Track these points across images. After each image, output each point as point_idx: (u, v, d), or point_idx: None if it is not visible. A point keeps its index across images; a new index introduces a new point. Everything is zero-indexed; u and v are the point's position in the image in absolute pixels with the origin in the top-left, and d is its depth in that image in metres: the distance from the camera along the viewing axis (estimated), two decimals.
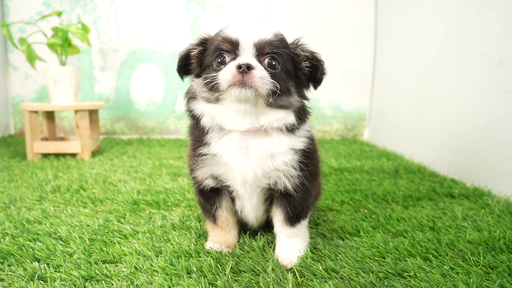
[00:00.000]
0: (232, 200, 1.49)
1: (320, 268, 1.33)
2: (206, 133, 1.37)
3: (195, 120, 1.40)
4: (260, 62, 1.28)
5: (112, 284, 1.23)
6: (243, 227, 1.65)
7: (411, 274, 1.29)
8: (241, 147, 1.33)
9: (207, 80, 1.29)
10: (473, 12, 2.52)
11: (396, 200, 2.10)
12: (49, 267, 1.35)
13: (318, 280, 1.26)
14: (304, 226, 1.52)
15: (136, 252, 1.46)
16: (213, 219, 1.51)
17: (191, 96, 1.40)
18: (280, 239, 1.47)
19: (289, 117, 1.33)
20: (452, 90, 2.76)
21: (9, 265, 1.37)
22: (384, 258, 1.43)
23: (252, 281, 1.27)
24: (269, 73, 1.27)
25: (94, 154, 3.35)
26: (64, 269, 1.32)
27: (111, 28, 4.29)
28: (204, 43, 1.40)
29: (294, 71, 1.35)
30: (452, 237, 1.58)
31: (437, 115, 2.94)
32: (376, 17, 4.29)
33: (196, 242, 1.56)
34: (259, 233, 1.63)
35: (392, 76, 3.89)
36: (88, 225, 1.74)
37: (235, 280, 1.27)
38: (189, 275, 1.29)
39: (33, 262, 1.37)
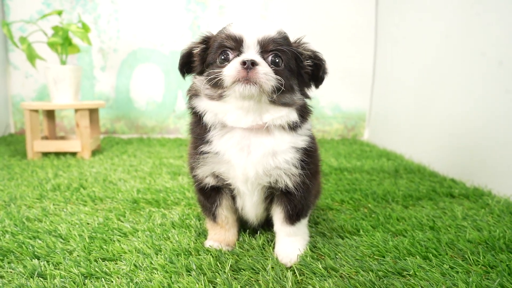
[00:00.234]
0: (233, 198, 1.49)
1: (320, 266, 1.33)
2: (208, 131, 1.37)
3: (197, 118, 1.39)
4: (264, 59, 1.29)
5: (112, 282, 1.24)
6: (242, 225, 1.65)
7: (410, 273, 1.29)
8: (243, 145, 1.33)
9: (211, 77, 1.29)
10: (474, 13, 2.52)
11: (396, 199, 2.10)
12: (49, 264, 1.35)
13: (317, 279, 1.26)
14: (304, 225, 1.52)
15: (135, 250, 1.46)
16: (213, 217, 1.51)
17: (193, 94, 1.40)
18: (280, 237, 1.47)
19: (292, 115, 1.34)
20: (452, 90, 2.76)
21: (9, 263, 1.37)
22: (384, 257, 1.43)
23: (252, 279, 1.27)
24: (272, 70, 1.27)
25: (94, 153, 3.35)
26: (63, 267, 1.33)
27: (111, 27, 4.30)
28: (206, 41, 1.40)
29: (297, 69, 1.36)
30: (452, 236, 1.58)
31: (437, 115, 2.94)
32: (377, 17, 4.29)
33: (196, 240, 1.56)
34: (258, 232, 1.63)
35: (392, 76, 3.89)
36: (88, 223, 1.74)
37: (235, 278, 1.27)
38: (188, 273, 1.29)
39: (33, 260, 1.37)
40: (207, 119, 1.35)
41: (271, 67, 1.28)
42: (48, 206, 1.95)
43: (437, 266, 1.34)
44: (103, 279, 1.25)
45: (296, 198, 1.40)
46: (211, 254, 1.41)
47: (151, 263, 1.35)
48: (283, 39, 1.33)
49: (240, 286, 1.20)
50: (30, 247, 1.46)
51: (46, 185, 2.30)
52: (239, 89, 1.24)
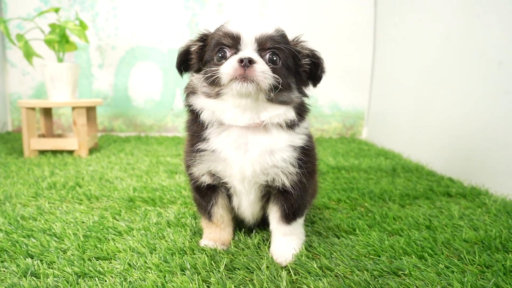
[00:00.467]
0: (229, 197, 1.48)
1: (315, 266, 1.32)
2: (205, 129, 1.36)
3: (194, 115, 1.39)
4: (261, 57, 1.28)
5: (105, 281, 1.23)
6: (238, 224, 1.65)
7: (406, 272, 1.29)
8: (240, 143, 1.33)
9: (208, 75, 1.28)
10: (473, 14, 2.51)
11: (392, 198, 2.09)
12: (42, 263, 1.34)
13: (312, 278, 1.26)
14: (300, 225, 1.51)
15: (130, 249, 1.45)
16: (209, 216, 1.50)
17: (190, 91, 1.39)
18: (275, 236, 1.47)
19: (290, 113, 1.33)
20: (451, 90, 2.75)
21: (2, 261, 1.36)
22: (380, 256, 1.42)
23: (246, 278, 1.27)
24: (270, 68, 1.26)
25: (91, 151, 3.34)
26: (57, 266, 1.32)
27: (109, 25, 4.28)
28: (204, 38, 1.39)
29: (294, 67, 1.35)
30: (448, 236, 1.57)
31: (436, 115, 2.93)
32: (376, 17, 4.28)
33: (191, 239, 1.55)
34: (254, 231, 1.63)
35: (391, 76, 3.89)
36: (83, 222, 1.73)
37: (229, 278, 1.26)
38: (182, 272, 1.28)
39: (27, 259, 1.36)
40: (204, 117, 1.35)
41: (269, 65, 1.27)
42: (43, 205, 1.94)
43: (432, 266, 1.34)
44: (96, 278, 1.25)
45: (293, 197, 1.39)
46: (206, 253, 1.41)
47: (146, 262, 1.34)
48: (281, 37, 1.32)
49: (234, 286, 1.20)
50: (24, 246, 1.45)
51: (42, 183, 2.29)
52: (236, 87, 1.23)
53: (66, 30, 3.18)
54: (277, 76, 1.26)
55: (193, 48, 1.40)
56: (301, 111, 1.38)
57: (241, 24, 1.30)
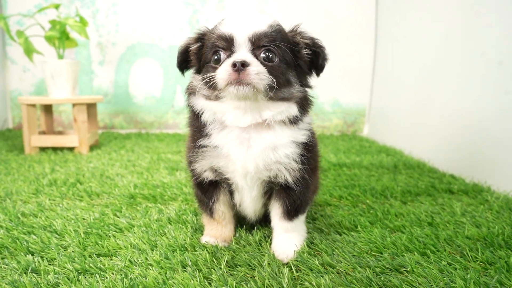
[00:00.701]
0: (231, 193, 1.48)
1: (317, 262, 1.31)
2: (207, 125, 1.36)
3: (196, 114, 1.38)
4: (257, 56, 1.26)
5: (106, 278, 1.22)
6: (239, 221, 1.64)
7: (408, 269, 1.28)
8: (242, 139, 1.32)
9: (205, 80, 1.28)
10: (473, 14, 2.50)
11: (394, 195, 2.08)
12: (43, 260, 1.34)
13: (314, 275, 1.25)
14: (302, 221, 1.50)
15: (131, 246, 1.44)
16: (210, 212, 1.50)
17: (191, 92, 1.39)
18: (277, 233, 1.46)
19: (292, 109, 1.32)
20: (452, 89, 2.74)
21: (2, 258, 1.35)
22: (382, 253, 1.41)
23: (248, 275, 1.26)
24: (266, 66, 1.25)
25: (92, 148, 3.34)
26: (58, 262, 1.31)
27: (109, 21, 4.27)
28: (202, 38, 1.38)
29: (294, 60, 1.32)
30: (451, 232, 1.57)
31: (437, 112, 2.92)
32: (377, 15, 4.26)
33: (192, 236, 1.55)
34: (255, 228, 1.62)
35: (392, 74, 3.87)
36: (83, 219, 1.72)
37: (230, 274, 1.26)
38: (184, 269, 1.28)
39: (27, 255, 1.36)
40: (206, 118, 1.35)
41: (265, 64, 1.25)
42: (44, 201, 1.93)
43: (435, 263, 1.33)
44: (97, 275, 1.24)
45: (295, 193, 1.39)
46: (207, 250, 1.40)
47: (146, 259, 1.34)
48: (276, 32, 1.28)
49: (236, 283, 1.19)
50: (25, 243, 1.45)
51: (43, 180, 2.28)
52: (232, 91, 1.23)
53: (67, 27, 3.17)
54: (272, 77, 1.23)
55: (192, 48, 1.39)
56: (304, 104, 1.36)
57: (233, 24, 1.28)
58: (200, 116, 1.36)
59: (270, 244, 1.48)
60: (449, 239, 1.51)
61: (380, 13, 4.20)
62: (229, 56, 1.27)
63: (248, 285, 1.17)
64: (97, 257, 1.37)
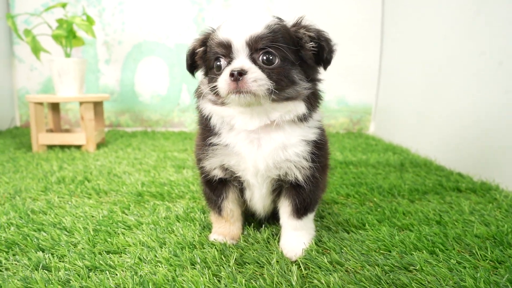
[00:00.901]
0: (240, 190, 1.48)
1: (325, 260, 1.32)
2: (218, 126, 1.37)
3: (205, 118, 1.39)
4: (256, 60, 1.24)
5: (116, 274, 1.23)
6: (247, 218, 1.64)
7: (417, 267, 1.28)
8: (252, 138, 1.33)
9: (210, 88, 1.30)
10: (480, 10, 2.50)
11: (402, 193, 2.08)
12: (53, 257, 1.35)
13: (323, 273, 1.25)
14: (310, 220, 1.50)
15: (140, 243, 1.45)
16: (218, 210, 1.50)
17: (199, 95, 1.40)
18: (285, 231, 1.46)
19: (299, 108, 1.30)
20: (459, 86, 2.73)
21: (14, 255, 1.37)
22: (390, 251, 1.41)
23: (256, 272, 1.26)
24: (266, 70, 1.23)
25: (98, 146, 3.35)
26: (68, 259, 1.32)
27: (116, 20, 4.28)
28: (206, 41, 1.37)
29: (297, 57, 1.29)
30: (459, 231, 1.56)
31: (444, 110, 2.91)
32: (383, 14, 4.24)
33: (200, 233, 1.55)
34: (263, 225, 1.62)
35: (399, 72, 3.86)
36: (92, 216, 1.73)
37: (239, 272, 1.26)
38: (193, 266, 1.28)
39: (38, 252, 1.37)
40: (214, 121, 1.36)
41: (264, 67, 1.23)
42: (52, 199, 1.95)
43: (444, 261, 1.32)
44: (107, 271, 1.25)
45: (305, 191, 1.39)
46: (215, 248, 1.41)
47: (156, 256, 1.35)
48: (274, 33, 1.24)
49: (245, 280, 1.19)
50: (35, 240, 1.46)
51: (51, 177, 2.30)
52: (234, 99, 1.23)
53: (73, 25, 3.19)
54: (273, 79, 1.22)
55: (197, 51, 1.39)
56: (313, 100, 1.33)
57: (231, 29, 1.27)
58: (209, 120, 1.37)
59: (278, 242, 1.48)
60: (457, 237, 1.51)
61: (386, 11, 4.19)
62: (229, 63, 1.26)
63: (257, 283, 1.18)
64: (107, 254, 1.38)
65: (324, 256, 1.35)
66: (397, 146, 3.50)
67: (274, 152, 1.31)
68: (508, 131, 2.21)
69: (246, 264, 1.31)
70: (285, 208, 1.44)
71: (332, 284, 1.17)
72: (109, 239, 1.48)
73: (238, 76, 1.19)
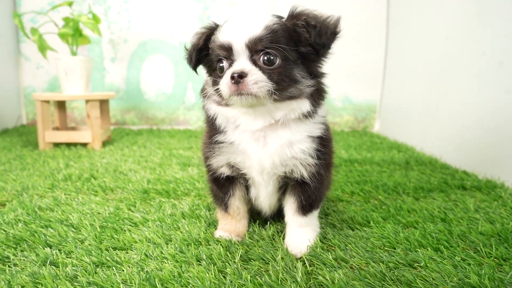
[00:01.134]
0: (246, 188, 1.49)
1: (330, 257, 1.32)
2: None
3: (211, 118, 1.40)
4: (256, 61, 1.24)
5: (123, 270, 1.25)
6: (253, 216, 1.65)
7: (421, 264, 1.28)
8: (258, 136, 1.34)
9: (214, 90, 1.31)
10: (480, 11, 2.49)
11: (407, 191, 2.08)
12: (60, 253, 1.37)
13: (327, 269, 1.26)
14: (315, 216, 1.51)
15: (146, 240, 1.47)
16: (225, 207, 1.51)
17: (205, 95, 1.41)
18: (290, 228, 1.47)
19: (304, 105, 1.30)
20: (464, 85, 2.72)
21: (22, 251, 1.39)
22: (395, 248, 1.41)
23: (262, 269, 1.27)
24: (266, 71, 1.23)
25: (104, 144, 3.38)
26: (75, 255, 1.34)
27: (121, 18, 4.30)
28: (209, 36, 1.35)
29: (298, 54, 1.26)
30: (464, 228, 1.56)
31: (449, 108, 2.90)
32: (388, 12, 4.22)
33: (206, 230, 1.57)
34: (268, 222, 1.63)
35: (404, 70, 3.84)
36: (99, 213, 1.75)
37: (245, 268, 1.27)
38: (198, 263, 1.30)
39: (45, 248, 1.39)
40: (219, 121, 1.37)
41: (265, 68, 1.23)
42: (59, 196, 1.97)
43: (448, 258, 1.33)
44: (114, 267, 1.26)
45: (310, 188, 1.39)
46: (221, 244, 1.42)
47: (162, 252, 1.36)
48: (272, 33, 1.23)
49: (250, 276, 1.20)
50: (43, 236, 1.48)
51: (58, 175, 2.32)
52: (236, 100, 1.25)
53: (80, 24, 3.21)
54: (274, 80, 1.22)
55: (200, 47, 1.37)
56: (317, 96, 1.32)
57: (231, 31, 1.27)
58: (215, 119, 1.38)
59: (283, 239, 1.49)
60: (462, 235, 1.51)
61: (391, 10, 4.17)
62: (230, 65, 1.27)
63: (263, 279, 1.19)
64: (113, 250, 1.39)
65: (329, 253, 1.36)
66: (402, 144, 3.49)
67: (280, 149, 1.32)
68: None
69: (252, 260, 1.32)
70: (290, 205, 1.45)
71: (336, 281, 1.18)
72: (115, 236, 1.49)
73: (238, 78, 1.20)
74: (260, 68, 1.24)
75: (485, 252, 1.36)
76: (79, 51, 4.12)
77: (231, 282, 1.18)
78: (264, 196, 1.46)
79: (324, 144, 1.37)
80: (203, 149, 1.49)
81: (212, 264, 1.28)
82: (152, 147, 3.28)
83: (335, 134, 4.11)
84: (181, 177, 2.32)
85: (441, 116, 3.02)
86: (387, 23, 4.25)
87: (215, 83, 1.31)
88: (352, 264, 1.30)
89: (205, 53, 1.38)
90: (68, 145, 3.25)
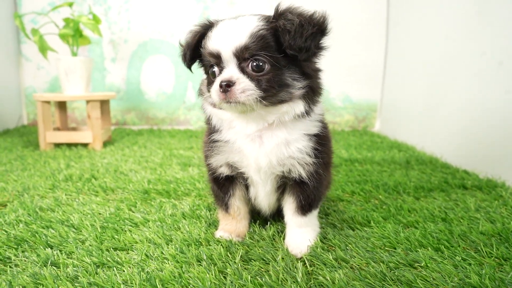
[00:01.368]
0: (246, 188, 1.49)
1: (330, 257, 1.32)
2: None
3: (208, 118, 1.43)
4: (245, 68, 1.24)
5: (123, 271, 1.25)
6: (253, 216, 1.65)
7: (422, 264, 1.28)
8: (254, 137, 1.34)
9: (208, 95, 1.33)
10: (480, 11, 2.49)
11: (407, 191, 2.08)
12: (61, 253, 1.37)
13: (328, 270, 1.26)
14: (315, 216, 1.51)
15: (146, 240, 1.47)
16: (226, 207, 1.52)
17: (201, 95, 1.43)
18: (290, 228, 1.47)
19: (297, 107, 1.29)
20: (464, 84, 2.71)
21: (23, 251, 1.39)
22: (395, 248, 1.42)
23: (262, 269, 1.27)
24: (254, 78, 1.22)
25: (105, 144, 3.38)
26: (76, 256, 1.34)
27: (121, 19, 4.30)
28: (203, 35, 1.34)
29: (287, 57, 1.23)
30: (465, 228, 1.56)
31: (450, 107, 2.90)
32: (388, 11, 4.22)
33: (206, 230, 1.57)
34: (269, 223, 1.63)
35: (404, 69, 3.84)
36: (99, 213, 1.75)
37: (245, 268, 1.27)
38: (199, 263, 1.30)
39: (46, 249, 1.39)
40: (214, 122, 1.39)
41: (254, 75, 1.22)
42: (60, 196, 1.97)
43: (449, 258, 1.33)
44: (115, 268, 1.27)
45: (309, 188, 1.40)
46: (221, 245, 1.42)
47: (162, 253, 1.36)
48: (257, 40, 1.20)
49: (251, 276, 1.21)
50: (43, 237, 1.48)
51: (59, 175, 2.32)
52: (226, 107, 1.27)
53: (80, 24, 3.21)
54: (262, 87, 1.21)
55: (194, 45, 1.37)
56: (311, 96, 1.31)
57: (219, 39, 1.26)
58: (210, 120, 1.41)
59: (284, 239, 1.49)
60: (463, 234, 1.51)
61: (391, 10, 4.17)
62: (221, 71, 1.27)
63: (263, 279, 1.19)
64: (114, 250, 1.40)
65: (329, 253, 1.36)
66: (402, 143, 3.49)
67: (277, 149, 1.32)
68: None
69: (252, 261, 1.33)
70: (289, 205, 1.45)
71: (337, 281, 1.18)
72: (116, 236, 1.50)
73: (226, 87, 1.21)
74: (249, 75, 1.23)
75: (485, 252, 1.36)
76: (80, 51, 4.12)
77: (231, 282, 1.18)
78: (263, 195, 1.46)
79: (321, 142, 1.37)
80: (203, 148, 1.51)
81: (212, 265, 1.28)
82: (152, 147, 3.28)
83: (335, 133, 4.11)
84: (181, 177, 2.32)
85: (441, 115, 3.02)
86: (387, 23, 4.25)
87: (209, 84, 1.32)
88: (352, 264, 1.30)
89: (200, 52, 1.36)
90: (69, 145, 3.26)
